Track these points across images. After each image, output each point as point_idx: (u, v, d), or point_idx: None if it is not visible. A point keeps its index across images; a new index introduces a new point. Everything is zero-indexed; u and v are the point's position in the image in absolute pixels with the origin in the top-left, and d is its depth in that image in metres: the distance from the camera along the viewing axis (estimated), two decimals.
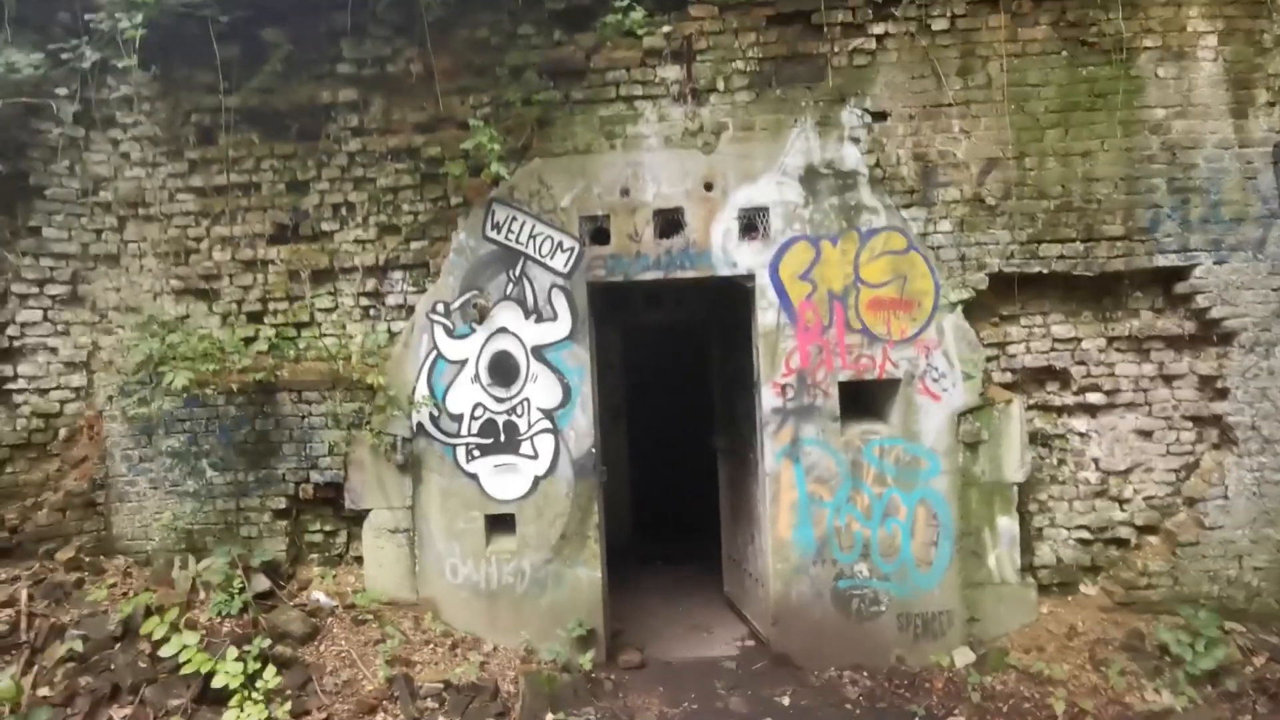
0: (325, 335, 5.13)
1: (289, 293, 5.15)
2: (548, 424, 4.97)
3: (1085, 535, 5.00)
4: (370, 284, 5.14)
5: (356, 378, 4.88)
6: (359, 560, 5.12)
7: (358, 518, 5.09)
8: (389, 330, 5.12)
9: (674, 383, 8.70)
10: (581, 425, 4.97)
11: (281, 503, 5.07)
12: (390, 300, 5.14)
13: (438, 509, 5.00)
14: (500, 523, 5.03)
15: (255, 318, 5.19)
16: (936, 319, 4.86)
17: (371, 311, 5.17)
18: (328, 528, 5.18)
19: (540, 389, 4.97)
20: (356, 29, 5.05)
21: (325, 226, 5.16)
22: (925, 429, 4.85)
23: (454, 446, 4.99)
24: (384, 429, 4.95)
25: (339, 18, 4.99)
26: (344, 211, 5.16)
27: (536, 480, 4.97)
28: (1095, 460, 5.00)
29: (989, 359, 4.93)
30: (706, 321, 6.67)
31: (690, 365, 8.26)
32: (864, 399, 5.07)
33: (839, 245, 4.88)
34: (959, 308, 4.87)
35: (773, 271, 4.89)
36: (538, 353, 4.97)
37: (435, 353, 5.00)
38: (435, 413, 4.97)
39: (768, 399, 4.91)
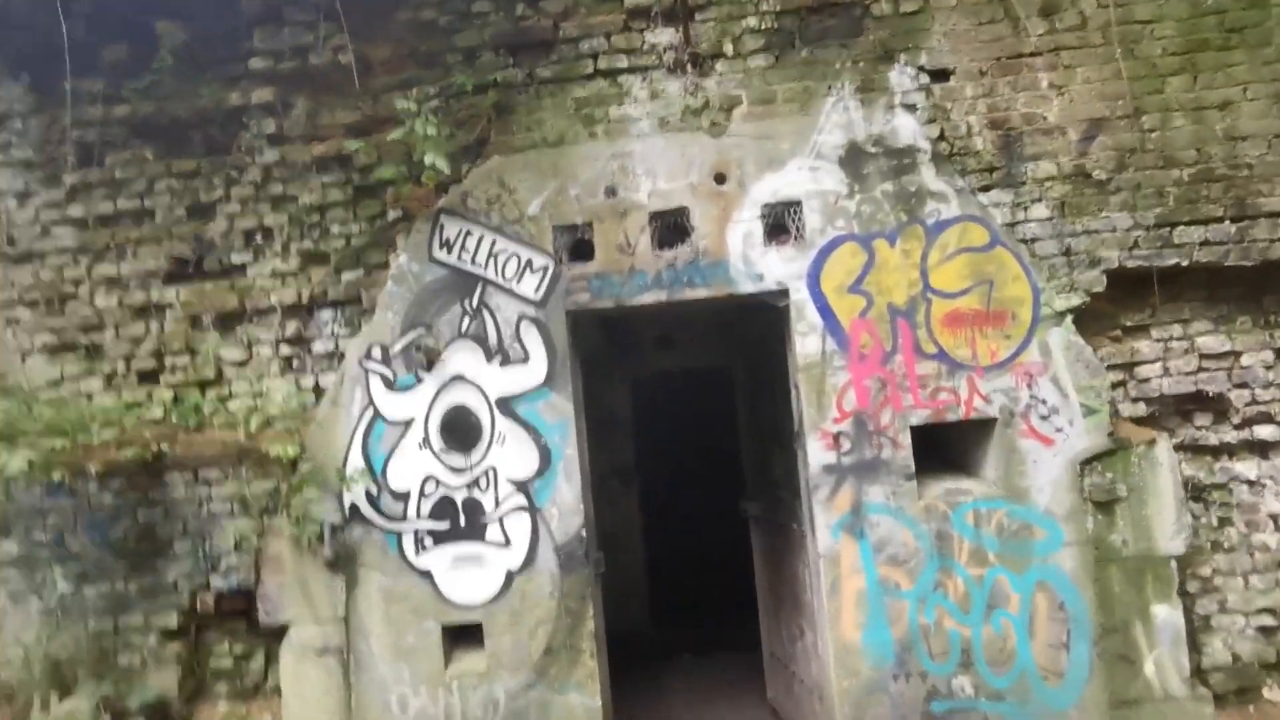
0: (235, 395, 4.00)
1: (190, 344, 4.05)
2: (521, 500, 3.75)
3: (1268, 621, 3.61)
4: (292, 327, 4.02)
5: (266, 449, 3.71)
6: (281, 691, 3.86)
7: (279, 634, 3.85)
8: (317, 385, 3.98)
9: (695, 438, 7.63)
10: (566, 500, 3.74)
11: (173, 619, 3.84)
12: (317, 347, 4.01)
13: (380, 619, 3.75)
14: (464, 635, 3.79)
15: (149, 377, 4.08)
16: (1039, 335, 3.62)
17: (295, 362, 4.04)
18: (239, 649, 3.92)
19: (510, 454, 3.77)
20: (271, 14, 4.10)
21: (235, 258, 4.08)
22: (1036, 485, 3.55)
23: (399, 534, 3.78)
24: (306, 514, 3.74)
25: (249, 2, 4.04)
26: (259, 238, 4.08)
27: (510, 576, 3.73)
28: (1274, 518, 3.65)
29: (1113, 385, 3.66)
30: (730, 360, 5.50)
31: (713, 416, 7.17)
32: (947, 448, 3.82)
33: (899, 244, 3.70)
34: (1068, 318, 3.63)
35: (812, 284, 3.71)
36: (505, 406, 3.79)
37: (372, 411, 3.83)
38: (373, 490, 3.78)
39: (816, 454, 3.66)
